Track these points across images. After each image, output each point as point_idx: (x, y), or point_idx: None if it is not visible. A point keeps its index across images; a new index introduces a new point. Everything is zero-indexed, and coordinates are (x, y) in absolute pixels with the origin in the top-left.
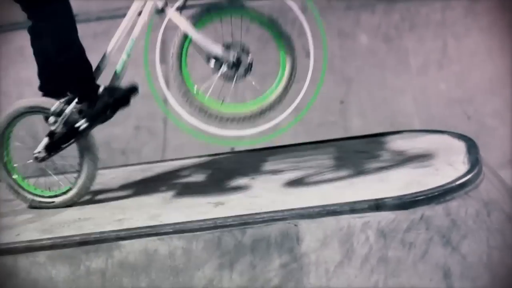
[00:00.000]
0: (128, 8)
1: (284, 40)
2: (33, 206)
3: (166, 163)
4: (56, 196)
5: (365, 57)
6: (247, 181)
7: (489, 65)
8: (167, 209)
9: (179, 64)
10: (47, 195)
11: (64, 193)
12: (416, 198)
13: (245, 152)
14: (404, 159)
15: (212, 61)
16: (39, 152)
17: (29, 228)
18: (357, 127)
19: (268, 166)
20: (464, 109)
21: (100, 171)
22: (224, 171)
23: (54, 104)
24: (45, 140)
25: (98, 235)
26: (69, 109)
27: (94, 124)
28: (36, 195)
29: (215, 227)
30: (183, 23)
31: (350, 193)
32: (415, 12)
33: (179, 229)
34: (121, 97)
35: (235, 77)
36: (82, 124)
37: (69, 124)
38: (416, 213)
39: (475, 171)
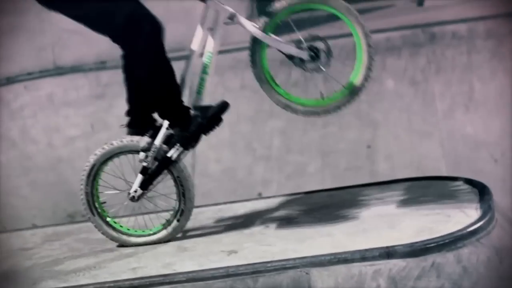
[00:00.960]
0: None
1: (358, 26)
2: (126, 245)
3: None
4: (151, 234)
5: (391, 101)
6: (261, 229)
7: None
8: (181, 257)
9: (259, 68)
10: (143, 233)
11: (160, 230)
12: (427, 246)
13: (271, 197)
14: (417, 206)
15: (294, 60)
16: (135, 191)
17: (45, 277)
18: (384, 172)
19: (283, 212)
20: (491, 153)
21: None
22: (241, 217)
23: (141, 141)
24: (139, 178)
25: (112, 284)
26: (159, 139)
27: (188, 149)
28: (131, 235)
29: (228, 275)
30: (253, 29)
31: (361, 240)
32: (441, 55)
33: (191, 278)
34: (214, 116)
35: (320, 66)
36: (175, 151)
37: (161, 155)
38: (427, 260)
39: (487, 217)
